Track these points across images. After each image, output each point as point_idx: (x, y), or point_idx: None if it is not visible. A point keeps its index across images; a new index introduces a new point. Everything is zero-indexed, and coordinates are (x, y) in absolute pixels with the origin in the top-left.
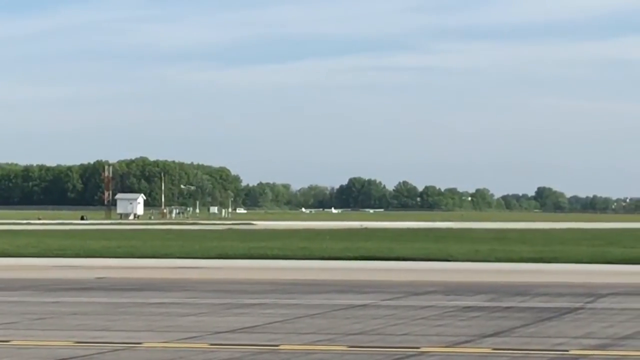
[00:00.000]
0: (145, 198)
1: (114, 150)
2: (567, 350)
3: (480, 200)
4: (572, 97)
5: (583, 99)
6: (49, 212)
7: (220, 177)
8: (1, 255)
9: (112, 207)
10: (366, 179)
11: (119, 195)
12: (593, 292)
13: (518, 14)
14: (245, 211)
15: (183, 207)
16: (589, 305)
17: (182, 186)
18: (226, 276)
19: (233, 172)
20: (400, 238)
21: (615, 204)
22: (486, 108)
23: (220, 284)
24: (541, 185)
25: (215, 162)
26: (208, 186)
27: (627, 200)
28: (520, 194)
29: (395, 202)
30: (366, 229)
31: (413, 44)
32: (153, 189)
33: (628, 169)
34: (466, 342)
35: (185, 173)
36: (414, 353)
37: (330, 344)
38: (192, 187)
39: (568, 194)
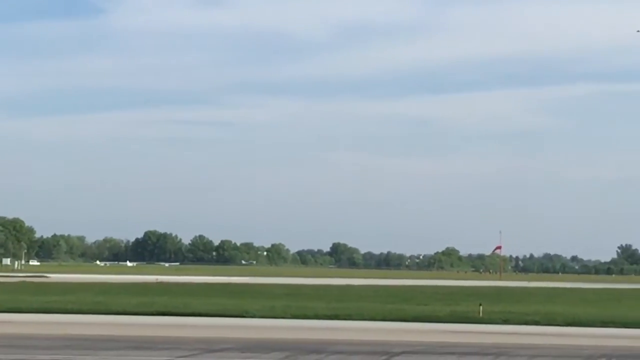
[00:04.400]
0: None
1: None
2: None
3: (275, 255)
4: (368, 154)
5: (379, 156)
6: None
7: (14, 228)
8: None
9: None
10: (162, 232)
11: None
12: (387, 351)
13: (318, 71)
14: (38, 263)
15: None
16: None
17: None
18: (18, 331)
19: (27, 223)
20: (195, 293)
21: (408, 260)
22: (283, 163)
23: (11, 339)
24: (336, 241)
25: (8, 213)
26: (0, 237)
27: (421, 257)
28: (316, 249)
29: (191, 255)
30: (161, 283)
31: (212, 98)
32: None
33: (421, 226)
34: None
35: None
36: None
37: None
38: None
39: (362, 250)
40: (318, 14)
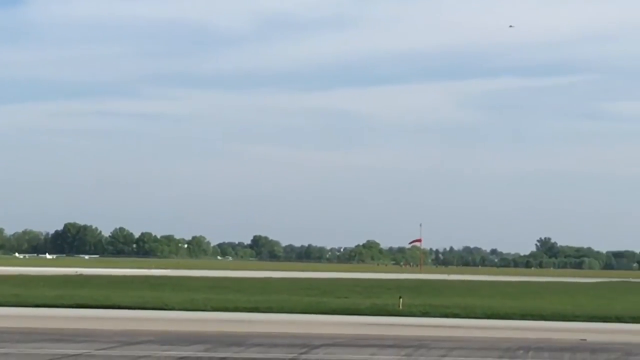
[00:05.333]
0: None
1: None
2: None
3: (196, 248)
4: (290, 147)
5: (301, 149)
6: None
7: None
8: None
9: None
10: (82, 224)
11: None
12: (307, 343)
13: (240, 63)
14: None
15: None
16: (303, 357)
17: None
18: None
19: None
20: (116, 285)
21: (329, 253)
22: (205, 155)
23: None
24: (257, 233)
25: None
26: None
27: (341, 249)
28: (237, 242)
29: (111, 248)
30: (81, 276)
31: (133, 89)
32: None
33: (342, 219)
34: None
35: None
36: None
37: None
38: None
39: (283, 243)
40: (241, 5)
